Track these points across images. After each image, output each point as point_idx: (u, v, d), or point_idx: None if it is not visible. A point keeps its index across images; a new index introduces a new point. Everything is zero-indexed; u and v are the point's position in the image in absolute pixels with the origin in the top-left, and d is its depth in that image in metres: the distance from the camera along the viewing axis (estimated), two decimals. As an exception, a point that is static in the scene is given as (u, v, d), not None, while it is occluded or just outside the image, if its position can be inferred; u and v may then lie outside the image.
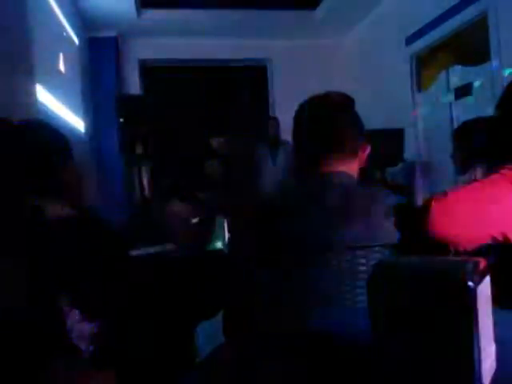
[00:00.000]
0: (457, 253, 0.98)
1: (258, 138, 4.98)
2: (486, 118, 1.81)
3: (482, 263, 0.53)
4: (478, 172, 1.77)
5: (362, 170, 1.14)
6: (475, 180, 1.62)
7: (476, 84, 3.59)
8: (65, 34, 3.88)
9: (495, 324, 0.56)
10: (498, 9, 3.23)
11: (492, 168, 1.15)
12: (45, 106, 3.00)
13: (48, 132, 1.12)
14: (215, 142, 4.36)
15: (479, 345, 0.49)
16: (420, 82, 4.43)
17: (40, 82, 2.91)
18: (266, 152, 4.59)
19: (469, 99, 3.66)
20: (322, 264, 0.97)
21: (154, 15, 4.72)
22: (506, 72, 3.12)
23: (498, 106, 1.13)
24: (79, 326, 1.11)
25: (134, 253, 2.76)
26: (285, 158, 4.41)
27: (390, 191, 1.08)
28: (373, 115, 2.90)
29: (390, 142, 4.05)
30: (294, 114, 1.15)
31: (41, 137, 1.09)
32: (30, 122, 1.14)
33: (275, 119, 4.71)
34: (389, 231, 0.98)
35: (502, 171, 1.05)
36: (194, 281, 1.75)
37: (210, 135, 4.63)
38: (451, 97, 3.87)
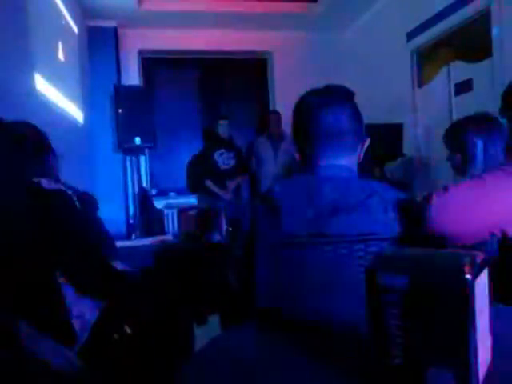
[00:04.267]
0: (456, 247, 0.99)
1: (258, 131, 4.97)
2: (475, 117, 1.75)
3: (480, 257, 0.53)
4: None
5: (360, 164, 1.13)
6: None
7: (476, 80, 3.58)
8: (64, 22, 3.85)
9: (494, 318, 0.56)
10: (500, 4, 3.22)
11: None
12: (43, 95, 2.98)
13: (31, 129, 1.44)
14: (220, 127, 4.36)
15: (475, 337, 0.49)
16: (420, 78, 4.42)
17: (38, 71, 2.89)
18: (268, 146, 4.59)
19: (469, 95, 3.65)
20: (318, 255, 0.97)
21: (155, 5, 4.69)
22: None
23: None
24: (80, 304, 1.15)
25: (133, 243, 2.77)
26: (286, 151, 4.42)
27: (390, 185, 1.08)
28: (373, 110, 2.90)
29: (389, 136, 4.05)
30: (293, 107, 1.15)
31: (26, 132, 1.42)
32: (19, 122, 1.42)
33: (277, 113, 4.69)
34: (387, 225, 0.98)
35: (503, 167, 1.06)
36: (192, 270, 1.77)
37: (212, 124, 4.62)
38: (452, 92, 3.86)
